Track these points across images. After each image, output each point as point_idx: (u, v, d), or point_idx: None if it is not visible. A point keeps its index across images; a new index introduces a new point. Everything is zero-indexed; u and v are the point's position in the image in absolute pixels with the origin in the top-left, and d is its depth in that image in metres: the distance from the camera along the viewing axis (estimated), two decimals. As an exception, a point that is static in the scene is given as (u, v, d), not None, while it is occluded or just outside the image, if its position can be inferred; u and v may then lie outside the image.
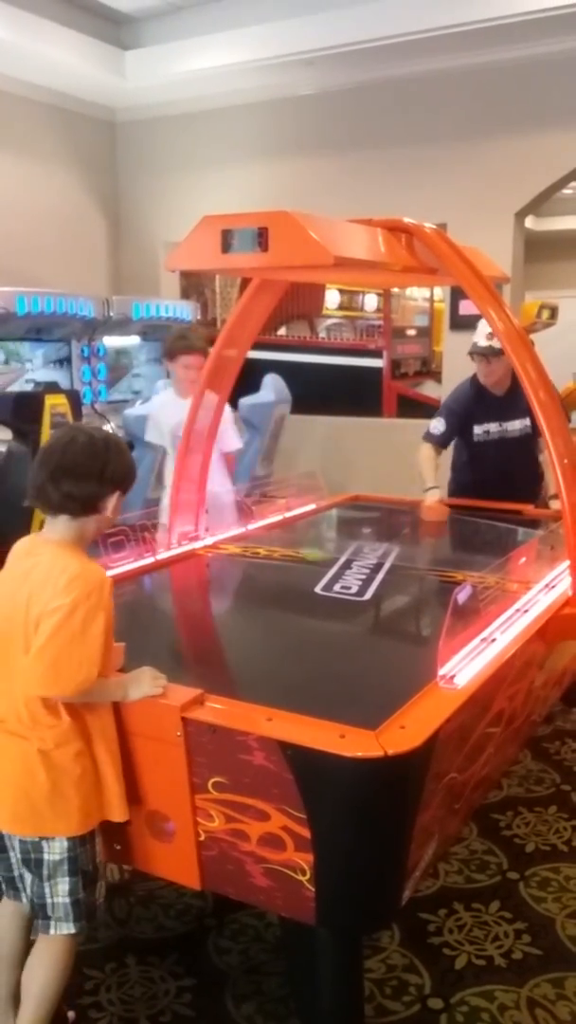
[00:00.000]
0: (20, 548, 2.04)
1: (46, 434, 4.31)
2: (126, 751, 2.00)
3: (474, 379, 4.19)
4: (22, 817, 1.94)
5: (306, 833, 1.80)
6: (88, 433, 2.01)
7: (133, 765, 2.01)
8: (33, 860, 1.95)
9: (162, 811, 2.01)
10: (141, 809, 2.03)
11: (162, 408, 4.27)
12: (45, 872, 1.95)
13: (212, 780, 1.89)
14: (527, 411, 3.93)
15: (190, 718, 1.89)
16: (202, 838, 1.95)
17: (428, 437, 4.24)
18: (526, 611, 2.60)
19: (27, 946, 2.10)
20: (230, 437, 4.14)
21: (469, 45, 5.82)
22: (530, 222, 8.72)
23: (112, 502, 2.00)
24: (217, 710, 1.92)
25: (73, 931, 1.97)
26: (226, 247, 2.51)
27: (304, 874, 1.83)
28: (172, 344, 4.09)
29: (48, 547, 1.97)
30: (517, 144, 6.10)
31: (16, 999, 2.08)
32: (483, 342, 3.97)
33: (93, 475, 1.94)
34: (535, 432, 3.99)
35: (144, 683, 1.97)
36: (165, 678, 2.00)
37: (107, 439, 2.02)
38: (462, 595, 2.24)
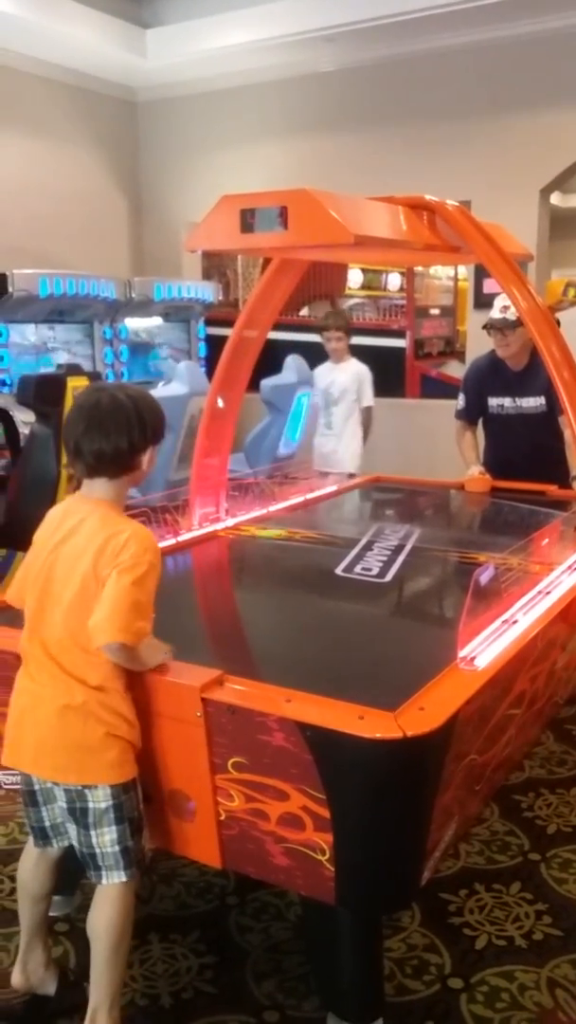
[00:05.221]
0: (57, 508, 2.07)
1: (68, 416, 4.34)
2: (147, 731, 2.01)
3: (492, 352, 4.17)
4: (63, 765, 1.96)
5: (325, 813, 1.80)
6: (110, 392, 2.01)
7: (154, 745, 2.02)
8: (79, 809, 1.98)
9: (183, 791, 2.02)
10: (162, 788, 2.05)
11: (318, 374, 5.53)
12: (91, 820, 1.97)
13: (232, 760, 1.90)
14: (544, 390, 3.90)
15: (210, 698, 1.89)
16: (223, 817, 1.96)
17: (457, 414, 4.33)
18: (548, 592, 2.58)
19: (52, 885, 2.18)
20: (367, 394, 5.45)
21: (492, 19, 5.73)
22: (556, 199, 8.59)
23: (147, 456, 2.02)
24: (236, 691, 1.92)
25: (124, 879, 2.00)
26: (245, 226, 2.49)
27: (323, 854, 1.84)
28: (321, 323, 5.54)
29: (91, 506, 1.99)
30: (542, 119, 6.00)
31: (43, 931, 2.20)
32: (497, 314, 3.95)
33: (122, 432, 1.95)
34: (552, 412, 3.96)
35: (157, 652, 1.98)
36: (169, 647, 2.01)
37: (130, 394, 2.00)
38: (484, 576, 2.22)
